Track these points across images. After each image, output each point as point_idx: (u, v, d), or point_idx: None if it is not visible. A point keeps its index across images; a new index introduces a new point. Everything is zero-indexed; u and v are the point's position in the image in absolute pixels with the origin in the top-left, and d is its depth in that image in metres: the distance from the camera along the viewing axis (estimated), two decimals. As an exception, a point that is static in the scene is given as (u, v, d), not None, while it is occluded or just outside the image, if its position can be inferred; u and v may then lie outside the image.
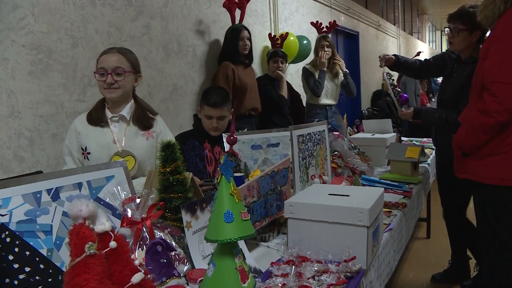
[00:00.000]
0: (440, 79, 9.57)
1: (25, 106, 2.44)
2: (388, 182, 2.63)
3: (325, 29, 4.86)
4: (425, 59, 3.32)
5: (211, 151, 2.52)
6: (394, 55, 3.28)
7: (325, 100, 4.55)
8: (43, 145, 2.53)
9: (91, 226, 0.84)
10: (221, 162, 1.04)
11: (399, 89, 3.15)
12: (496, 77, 2.01)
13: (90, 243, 0.81)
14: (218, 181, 1.05)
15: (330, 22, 4.94)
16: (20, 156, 2.43)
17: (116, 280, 0.86)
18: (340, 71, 4.62)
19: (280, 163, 1.80)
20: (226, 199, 1.04)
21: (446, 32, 2.91)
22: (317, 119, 2.96)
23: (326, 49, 4.45)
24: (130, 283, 0.86)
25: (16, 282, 1.11)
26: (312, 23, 4.99)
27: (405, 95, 3.04)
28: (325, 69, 4.38)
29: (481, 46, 2.58)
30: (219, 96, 2.53)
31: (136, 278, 0.87)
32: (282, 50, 4.28)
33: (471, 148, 2.19)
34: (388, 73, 3.25)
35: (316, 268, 1.39)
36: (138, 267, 0.89)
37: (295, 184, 2.00)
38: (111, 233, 0.87)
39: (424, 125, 3.11)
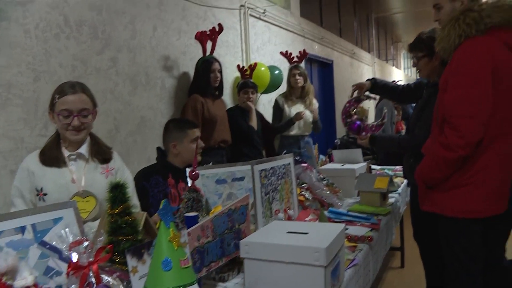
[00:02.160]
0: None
1: (-18, 142, 2.38)
2: (355, 214, 2.60)
3: (295, 58, 4.91)
4: (407, 84, 3.34)
5: (175, 187, 2.48)
6: (369, 79, 3.29)
7: (296, 130, 4.58)
8: (0, 182, 2.46)
9: (9, 282, 0.79)
10: (161, 208, 1.00)
11: (355, 117, 3.11)
12: (456, 111, 2.03)
13: (6, 301, 0.77)
14: (157, 226, 1.01)
15: (300, 52, 4.99)
16: (-26, 194, 2.36)
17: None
18: (313, 100, 4.70)
19: (238, 201, 1.76)
20: (164, 246, 1.00)
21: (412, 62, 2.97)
22: (285, 152, 2.98)
23: (297, 78, 4.52)
24: None
25: None
26: (282, 53, 5.03)
27: (357, 122, 3.02)
28: (295, 122, 4.46)
29: None
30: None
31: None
32: (252, 80, 4.29)
33: (434, 181, 2.19)
34: (351, 100, 3.19)
35: (271, 311, 1.35)
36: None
37: (258, 220, 1.97)
38: (34, 288, 0.82)
39: (379, 150, 3.14)
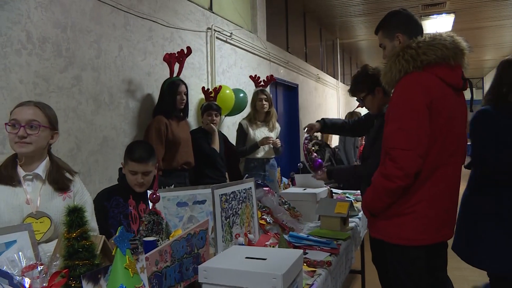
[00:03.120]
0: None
1: None
2: (315, 239, 2.63)
3: (262, 83, 4.98)
4: (358, 118, 3.45)
5: (136, 208, 2.45)
6: (318, 120, 3.39)
7: (262, 153, 4.63)
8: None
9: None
10: (117, 235, 1.00)
11: (315, 155, 3.20)
12: (395, 143, 2.14)
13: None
14: (113, 253, 1.00)
15: (267, 77, 5.07)
16: None
17: None
18: (276, 124, 4.78)
19: (197, 225, 1.76)
20: (120, 273, 0.99)
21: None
22: (246, 176, 3.01)
23: (264, 102, 4.60)
24: None
25: None
26: (251, 77, 5.10)
27: (319, 160, 3.11)
28: (259, 146, 4.52)
29: None
30: (144, 151, 2.50)
31: None
32: (215, 103, 4.32)
33: (376, 210, 2.32)
34: (307, 137, 3.30)
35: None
36: None
37: (217, 244, 1.97)
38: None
39: (339, 183, 3.24)
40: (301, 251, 1.75)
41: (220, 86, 4.61)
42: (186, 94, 3.83)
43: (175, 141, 3.64)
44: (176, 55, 3.95)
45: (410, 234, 2.20)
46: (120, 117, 3.59)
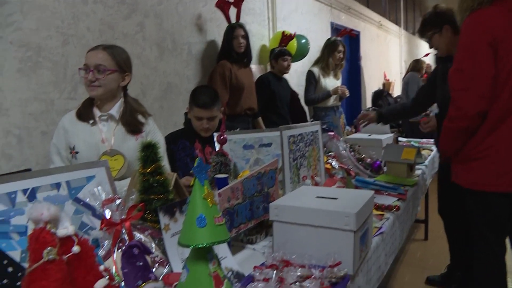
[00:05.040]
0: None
1: (14, 104, 2.41)
2: (382, 184, 2.58)
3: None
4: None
5: (202, 151, 2.48)
6: (373, 110, 3.25)
7: (332, 101, 4.59)
8: (32, 143, 2.50)
9: (52, 230, 0.80)
10: (195, 165, 1.00)
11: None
12: (453, 84, 2.07)
13: (49, 248, 0.78)
14: (192, 184, 1.01)
15: (344, 30, 4.96)
16: (8, 154, 2.40)
17: (79, 286, 0.83)
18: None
19: (267, 165, 1.76)
20: (199, 203, 1.00)
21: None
22: (312, 120, 2.98)
23: (342, 55, 4.60)
24: (94, 289, 0.83)
25: (-16, 286, 1.08)
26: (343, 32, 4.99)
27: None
28: (331, 95, 4.46)
29: None
30: (208, 97, 2.50)
31: (100, 284, 0.83)
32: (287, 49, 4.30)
33: (446, 152, 2.26)
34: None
35: (299, 274, 1.35)
36: (103, 273, 0.85)
37: (285, 185, 1.97)
38: (74, 238, 0.83)
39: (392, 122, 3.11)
40: (372, 192, 1.72)
41: (295, 33, 4.55)
42: (246, 38, 3.78)
43: (239, 86, 3.64)
44: (232, 0, 3.89)
45: (484, 179, 2.11)
46: (183, 63, 3.61)
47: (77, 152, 1.99)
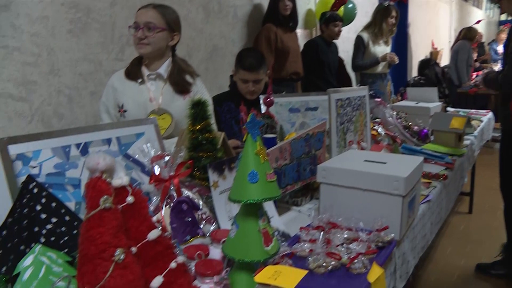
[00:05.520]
0: (500, 49, 9.15)
1: (65, 64, 2.46)
2: (429, 152, 2.52)
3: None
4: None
5: (247, 114, 2.48)
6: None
7: (380, 68, 4.48)
8: (81, 103, 2.56)
9: (108, 180, 0.81)
10: (248, 120, 0.99)
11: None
12: None
13: (105, 196, 0.79)
14: (244, 139, 1.00)
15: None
16: (60, 113, 2.46)
17: (133, 235, 0.84)
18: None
19: (316, 127, 1.73)
20: (251, 158, 0.99)
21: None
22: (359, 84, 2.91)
23: (394, 21, 4.47)
24: (146, 239, 0.84)
25: (44, 232, 1.12)
26: None
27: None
28: (380, 62, 4.33)
29: None
30: (255, 59, 2.47)
31: (153, 234, 0.84)
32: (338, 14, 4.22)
33: None
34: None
35: (346, 236, 1.34)
36: (156, 224, 0.87)
37: (332, 149, 1.94)
38: (129, 188, 0.84)
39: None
40: (422, 158, 1.67)
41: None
42: (292, 1, 3.71)
43: (284, 50, 3.59)
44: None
45: None
46: (228, 26, 3.58)
47: (125, 111, 2.02)
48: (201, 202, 1.32)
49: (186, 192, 1.33)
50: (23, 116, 2.33)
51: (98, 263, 0.78)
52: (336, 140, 1.98)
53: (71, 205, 1.23)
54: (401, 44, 7.91)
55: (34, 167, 1.25)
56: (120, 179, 0.83)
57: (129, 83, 2.05)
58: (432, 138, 2.85)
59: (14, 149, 1.22)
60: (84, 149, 1.34)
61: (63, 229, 1.14)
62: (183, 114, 2.03)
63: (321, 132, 1.78)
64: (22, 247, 1.09)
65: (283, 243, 1.25)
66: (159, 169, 1.31)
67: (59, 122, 2.45)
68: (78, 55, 2.51)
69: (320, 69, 3.98)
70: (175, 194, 1.30)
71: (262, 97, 2.13)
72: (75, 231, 1.14)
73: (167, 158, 1.33)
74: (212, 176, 1.33)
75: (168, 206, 1.29)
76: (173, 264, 0.85)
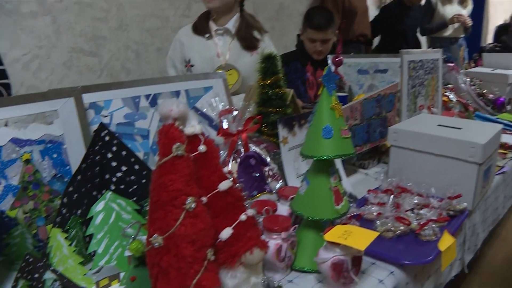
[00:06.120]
0: None
1: (133, 20, 2.48)
2: (506, 122, 2.37)
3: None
4: None
5: (313, 74, 2.42)
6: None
7: (450, 31, 4.23)
8: (148, 58, 2.58)
9: (180, 127, 0.80)
10: (324, 73, 0.95)
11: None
12: None
13: (178, 143, 0.78)
14: (319, 93, 0.96)
15: None
16: (127, 68, 2.50)
17: (204, 185, 0.83)
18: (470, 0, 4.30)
19: (388, 87, 1.66)
20: (326, 113, 0.95)
21: None
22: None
23: None
24: (217, 189, 0.83)
25: (114, 179, 1.14)
26: None
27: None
28: (448, 24, 4.08)
29: None
30: (323, 18, 2.38)
31: (224, 185, 0.83)
32: None
33: None
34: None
35: (416, 201, 1.29)
36: (227, 175, 0.85)
37: (402, 112, 1.86)
38: (201, 137, 0.83)
39: None
40: (501, 126, 1.57)
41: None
42: None
43: (351, 10, 3.46)
44: None
45: None
46: (296, -16, 3.49)
47: (192, 65, 2.01)
48: (268, 159, 1.30)
49: (253, 148, 1.32)
50: (93, 71, 2.38)
51: (169, 210, 0.78)
52: (406, 103, 1.89)
53: (140, 155, 1.25)
54: (477, 5, 7.45)
55: (106, 116, 1.27)
56: (193, 127, 0.82)
57: (196, 38, 2.03)
58: (509, 107, 2.69)
59: (87, 98, 1.25)
60: (153, 101, 1.34)
61: (132, 177, 1.15)
62: (250, 70, 2.00)
63: (393, 93, 1.70)
64: (94, 193, 1.12)
65: (351, 205, 1.22)
66: (227, 124, 1.30)
67: (126, 76, 2.49)
68: (145, 10, 2.52)
69: (392, 37, 3.81)
70: (242, 149, 1.29)
71: (330, 57, 2.06)
72: (144, 180, 1.16)
73: (235, 113, 1.31)
74: (282, 132, 1.30)
75: (235, 161, 1.28)
76: (243, 217, 0.83)
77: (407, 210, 1.26)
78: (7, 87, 1.60)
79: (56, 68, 2.39)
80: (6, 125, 1.09)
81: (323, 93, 0.96)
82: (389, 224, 1.19)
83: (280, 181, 1.28)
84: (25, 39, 2.30)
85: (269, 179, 1.28)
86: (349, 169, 1.62)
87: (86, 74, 2.37)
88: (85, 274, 1.02)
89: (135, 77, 2.52)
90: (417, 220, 1.22)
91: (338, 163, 1.42)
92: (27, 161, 1.11)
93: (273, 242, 0.96)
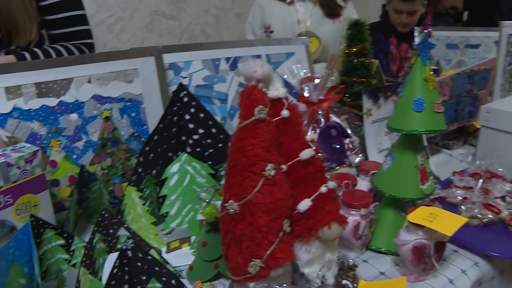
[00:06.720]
0: None
1: (214, -17, 2.45)
2: None
3: None
4: None
5: (397, 47, 2.29)
6: None
7: None
8: (227, 24, 2.56)
9: (264, 89, 0.76)
10: (419, 41, 0.87)
11: None
12: None
13: (260, 106, 0.74)
14: (412, 62, 0.88)
15: None
16: (207, 33, 2.49)
17: (284, 152, 0.79)
18: None
19: (482, 63, 1.53)
20: (418, 84, 0.87)
21: None
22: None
23: None
24: (298, 158, 0.78)
25: (190, 141, 1.13)
26: None
27: None
28: None
29: None
30: None
31: (306, 153, 0.78)
32: None
33: None
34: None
35: (508, 189, 1.19)
36: (310, 143, 0.80)
37: (494, 91, 1.72)
38: (285, 101, 0.78)
39: None
40: None
41: None
42: None
43: (443, -20, 3.24)
44: None
45: None
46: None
47: (272, 31, 1.97)
48: (349, 131, 1.24)
49: (334, 118, 1.26)
50: (173, 34, 2.39)
51: (247, 176, 0.74)
52: (501, 82, 1.75)
53: (217, 119, 1.22)
54: None
55: (185, 77, 1.26)
56: (277, 90, 0.77)
57: (277, 3, 1.98)
58: None
59: (167, 58, 1.24)
60: (233, 64, 1.32)
61: (209, 141, 1.14)
62: (331, 39, 1.93)
63: (488, 69, 1.57)
64: (170, 154, 1.11)
65: (436, 186, 1.14)
66: (308, 92, 1.25)
67: (205, 41, 2.48)
68: (227, -26, 2.49)
69: (484, 10, 3.53)
70: (322, 119, 1.23)
71: (417, 29, 1.94)
72: (220, 145, 1.14)
73: (317, 81, 1.26)
74: (366, 103, 1.23)
75: (314, 131, 1.23)
76: (323, 189, 0.79)
77: (496, 197, 1.16)
78: (91, 46, 1.63)
79: (138, 30, 2.42)
80: (89, 81, 1.10)
81: (416, 63, 0.88)
82: (476, 211, 1.11)
83: (360, 155, 1.22)
84: (111, 1, 2.34)
85: (348, 152, 1.22)
86: (431, 149, 1.52)
87: (166, 37, 2.38)
88: (156, 234, 1.02)
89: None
90: (508, 209, 1.12)
91: (424, 140, 1.33)
92: (107, 118, 1.12)
93: (351, 218, 0.91)
